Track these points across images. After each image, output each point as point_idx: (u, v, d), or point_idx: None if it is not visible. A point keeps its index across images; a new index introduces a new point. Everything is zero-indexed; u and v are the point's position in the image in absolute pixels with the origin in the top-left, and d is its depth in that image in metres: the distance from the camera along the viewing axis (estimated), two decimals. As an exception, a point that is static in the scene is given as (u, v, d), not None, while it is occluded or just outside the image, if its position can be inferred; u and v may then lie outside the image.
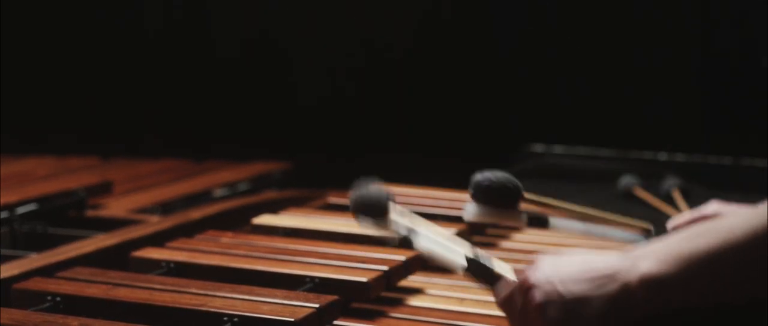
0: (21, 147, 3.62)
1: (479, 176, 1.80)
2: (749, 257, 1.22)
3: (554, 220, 1.92)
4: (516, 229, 2.38)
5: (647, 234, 1.92)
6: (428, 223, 1.67)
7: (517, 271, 1.44)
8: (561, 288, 1.32)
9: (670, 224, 1.85)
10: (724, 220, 1.26)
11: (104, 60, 4.41)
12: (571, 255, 1.37)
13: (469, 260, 1.51)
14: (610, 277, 1.29)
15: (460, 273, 1.53)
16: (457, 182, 2.75)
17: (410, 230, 1.63)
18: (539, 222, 1.89)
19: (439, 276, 2.00)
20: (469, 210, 1.81)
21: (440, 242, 1.59)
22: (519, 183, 1.81)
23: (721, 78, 3.65)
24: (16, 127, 4.20)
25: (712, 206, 1.81)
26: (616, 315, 1.29)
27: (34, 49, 4.42)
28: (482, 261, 1.50)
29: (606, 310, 1.29)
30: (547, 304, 1.32)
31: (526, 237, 2.36)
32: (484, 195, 1.79)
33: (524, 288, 1.36)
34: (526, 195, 1.84)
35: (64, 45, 4.41)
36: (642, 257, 1.29)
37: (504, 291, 1.42)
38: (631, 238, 1.96)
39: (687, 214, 1.81)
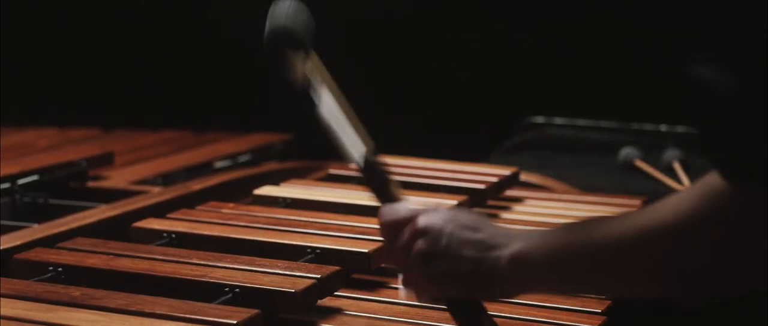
0: (22, 118, 3.62)
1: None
2: (611, 261, 1.22)
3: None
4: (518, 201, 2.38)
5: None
6: (341, 101, 1.52)
7: (414, 207, 1.39)
8: (447, 244, 1.31)
9: None
10: (605, 220, 1.25)
11: (105, 31, 4.40)
12: (471, 216, 1.37)
13: (366, 162, 1.43)
14: (491, 248, 1.31)
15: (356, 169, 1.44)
16: (458, 152, 2.76)
17: (316, 92, 1.48)
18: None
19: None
20: None
21: (344, 125, 1.48)
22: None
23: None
24: (17, 98, 4.19)
25: None
26: (484, 284, 1.31)
27: (35, 20, 4.41)
28: (379, 170, 1.43)
29: (477, 277, 1.30)
30: (430, 255, 1.32)
31: (527, 209, 2.36)
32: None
33: (415, 228, 1.34)
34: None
35: (65, 16, 4.40)
36: (521, 238, 1.31)
37: (392, 216, 1.38)
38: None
39: None
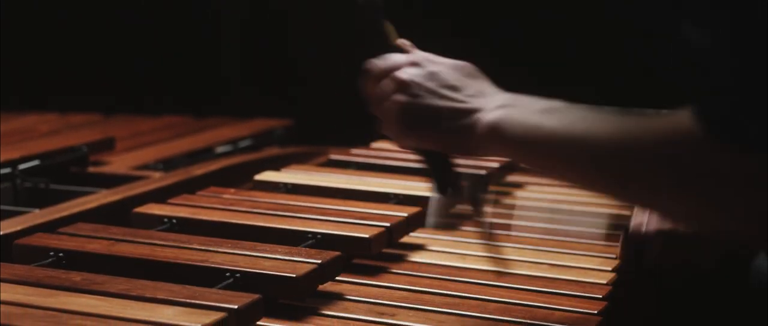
0: (23, 103, 3.62)
1: None
2: (580, 154, 1.24)
3: None
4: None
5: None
6: None
7: (400, 58, 1.43)
8: (427, 103, 1.36)
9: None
10: (585, 110, 1.28)
11: (106, 17, 4.40)
12: (454, 71, 1.40)
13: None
14: (469, 112, 1.34)
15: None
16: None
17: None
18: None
19: (441, 232, 2.00)
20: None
21: None
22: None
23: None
24: (18, 84, 4.19)
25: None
26: (458, 142, 1.35)
27: (35, 6, 4.40)
28: (377, 12, 1.47)
29: (452, 136, 1.35)
30: (409, 108, 1.36)
31: (528, 194, 2.36)
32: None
33: (397, 80, 1.39)
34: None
35: (66, 1, 4.39)
36: (501, 104, 1.33)
37: (379, 65, 1.42)
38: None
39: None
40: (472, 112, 1.34)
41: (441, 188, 1.44)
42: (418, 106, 1.36)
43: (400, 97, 1.37)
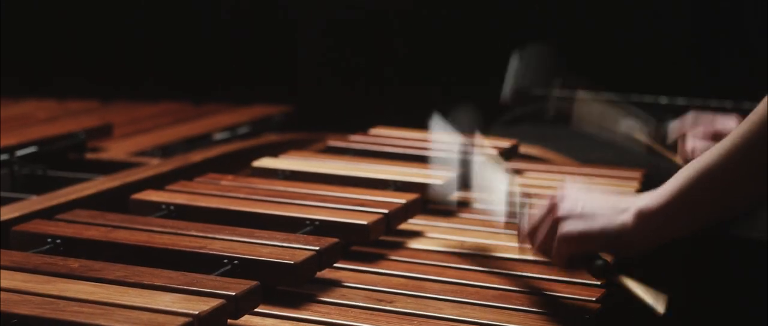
0: (21, 89, 3.62)
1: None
2: (724, 178, 1.38)
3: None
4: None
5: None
6: None
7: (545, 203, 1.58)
8: (582, 207, 1.50)
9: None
10: (706, 152, 1.41)
11: (105, 2, 4.39)
12: (593, 191, 1.56)
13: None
14: (622, 209, 1.48)
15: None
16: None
17: None
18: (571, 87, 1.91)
19: (439, 219, 2.00)
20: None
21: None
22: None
23: (720, 19, 3.64)
24: (16, 70, 4.18)
25: (690, 116, 1.91)
26: (617, 241, 1.48)
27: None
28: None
29: (610, 234, 1.48)
30: (568, 218, 1.50)
31: (526, 181, 2.36)
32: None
33: (551, 203, 1.54)
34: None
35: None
36: (645, 195, 1.48)
37: (532, 222, 1.58)
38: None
39: (679, 124, 1.89)
40: (624, 208, 1.49)
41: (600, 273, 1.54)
42: (579, 212, 1.51)
43: (560, 210, 1.52)
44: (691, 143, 1.85)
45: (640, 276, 1.48)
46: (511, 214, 1.67)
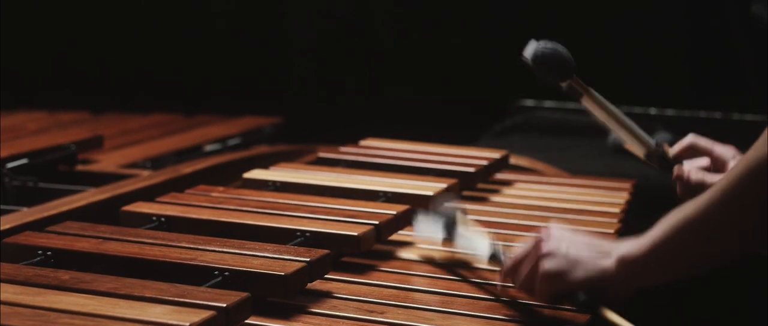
0: (11, 101, 3.62)
1: (540, 45, 1.89)
2: (703, 230, 1.40)
3: (587, 100, 1.97)
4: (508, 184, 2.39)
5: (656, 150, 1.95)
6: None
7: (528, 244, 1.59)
8: (566, 248, 1.52)
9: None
10: (689, 202, 1.43)
11: (96, 15, 4.39)
12: (579, 232, 1.58)
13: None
14: (604, 253, 1.51)
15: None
16: (449, 135, 2.76)
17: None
18: (575, 93, 1.96)
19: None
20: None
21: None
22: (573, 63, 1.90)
23: (711, 31, 3.65)
24: (7, 82, 4.18)
25: (689, 138, 1.91)
26: (598, 284, 1.50)
27: (25, 5, 4.40)
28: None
29: (592, 277, 1.50)
30: (550, 256, 1.52)
31: (516, 192, 2.37)
32: (542, 62, 1.88)
33: (535, 242, 1.55)
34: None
35: (56, 0, 4.39)
36: (627, 242, 1.50)
37: (514, 260, 1.59)
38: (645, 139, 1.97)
39: (677, 146, 1.91)
40: (606, 253, 1.51)
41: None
42: (563, 252, 1.52)
43: (543, 248, 1.53)
44: (688, 167, 1.85)
45: (622, 308, 1.51)
46: (494, 255, 1.68)
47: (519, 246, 1.60)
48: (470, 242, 1.77)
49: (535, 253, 1.55)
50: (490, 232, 1.78)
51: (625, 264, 1.48)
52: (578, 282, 1.51)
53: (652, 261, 1.46)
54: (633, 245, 1.48)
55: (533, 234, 1.59)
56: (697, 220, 1.40)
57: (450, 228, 1.80)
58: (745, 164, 1.34)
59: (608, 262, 1.50)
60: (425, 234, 1.84)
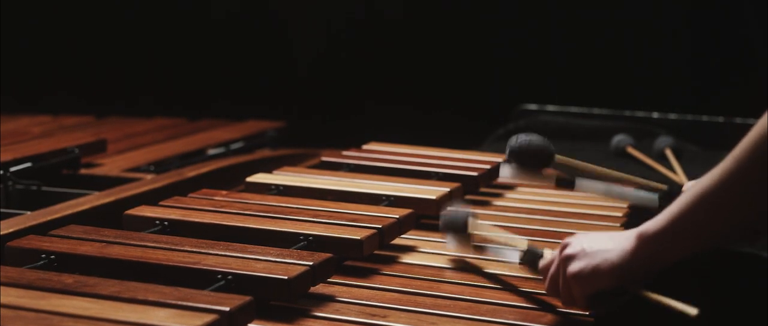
0: (15, 105, 3.62)
1: (515, 140, 1.95)
2: (718, 199, 1.41)
3: (580, 182, 1.98)
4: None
5: (663, 195, 1.97)
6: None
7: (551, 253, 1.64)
8: (587, 245, 1.54)
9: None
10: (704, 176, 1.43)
11: (99, 19, 4.40)
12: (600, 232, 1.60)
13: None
14: (625, 238, 1.52)
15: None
16: (451, 139, 2.76)
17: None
18: (567, 183, 2.00)
19: (432, 234, 2.00)
20: (504, 171, 1.98)
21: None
22: (551, 147, 1.97)
23: (714, 36, 3.65)
24: (11, 86, 4.19)
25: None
26: (620, 269, 1.51)
27: (30, 8, 4.40)
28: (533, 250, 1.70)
29: (617, 264, 1.51)
30: (573, 259, 1.55)
31: (519, 196, 2.37)
32: (518, 157, 1.94)
33: (560, 247, 1.58)
34: (558, 157, 1.99)
35: (59, 4, 4.39)
36: (647, 222, 1.51)
37: (545, 261, 1.64)
38: (648, 198, 1.98)
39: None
40: (624, 236, 1.53)
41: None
42: (584, 249, 1.55)
43: (566, 251, 1.57)
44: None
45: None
46: (526, 257, 1.70)
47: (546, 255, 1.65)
48: (499, 247, 1.79)
49: (560, 262, 1.57)
50: (520, 237, 1.80)
51: (645, 239, 1.49)
52: (607, 273, 1.52)
53: (672, 235, 1.47)
54: (651, 222, 1.50)
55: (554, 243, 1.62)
56: (713, 191, 1.41)
57: (462, 230, 1.80)
58: (757, 131, 1.36)
59: (627, 242, 1.51)
60: (452, 240, 1.83)
